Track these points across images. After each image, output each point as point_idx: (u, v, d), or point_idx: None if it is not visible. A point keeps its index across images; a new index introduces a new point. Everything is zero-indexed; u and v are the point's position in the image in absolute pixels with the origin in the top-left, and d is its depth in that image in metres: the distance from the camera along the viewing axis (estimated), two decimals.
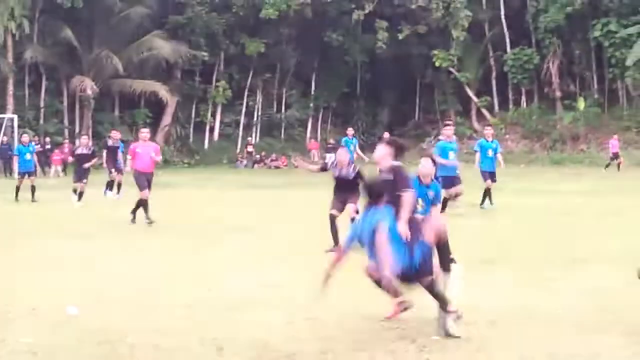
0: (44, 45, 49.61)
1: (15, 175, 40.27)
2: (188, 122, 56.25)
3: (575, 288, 10.80)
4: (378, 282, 8.18)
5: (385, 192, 8.62)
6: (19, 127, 43.96)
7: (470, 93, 56.56)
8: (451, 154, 19.67)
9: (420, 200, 12.47)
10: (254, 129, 57.83)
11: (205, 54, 52.98)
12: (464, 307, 9.27)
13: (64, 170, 41.78)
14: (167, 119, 54.33)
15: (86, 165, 25.18)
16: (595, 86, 53.73)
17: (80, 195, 24.69)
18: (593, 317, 9.02)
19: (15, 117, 44.52)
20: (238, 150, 55.80)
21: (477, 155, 22.42)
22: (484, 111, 56.00)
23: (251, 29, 54.72)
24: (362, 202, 9.56)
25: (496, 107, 56.24)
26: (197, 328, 8.61)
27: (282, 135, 58.34)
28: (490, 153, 22.11)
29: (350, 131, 32.68)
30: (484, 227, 18.37)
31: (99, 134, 49.84)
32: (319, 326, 8.53)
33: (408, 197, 9.07)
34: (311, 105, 59.46)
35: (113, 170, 27.24)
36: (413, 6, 53.06)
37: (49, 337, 8.34)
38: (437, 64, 55.10)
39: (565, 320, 8.89)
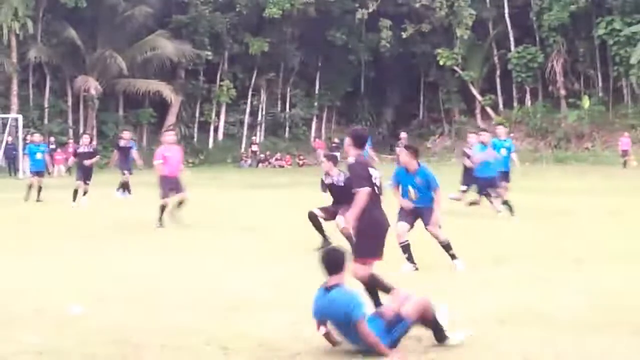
0: (48, 45, 49.60)
1: (20, 174, 40.61)
2: (192, 122, 56.20)
3: (581, 287, 10.77)
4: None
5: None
6: (23, 127, 44.08)
7: (475, 91, 56.49)
8: (502, 151, 20.28)
9: (411, 189, 12.51)
10: (258, 128, 57.81)
11: (209, 53, 52.92)
12: (471, 305, 9.27)
13: (67, 170, 41.78)
14: (171, 118, 54.26)
15: (87, 162, 25.01)
16: (600, 84, 53.63)
17: (84, 193, 24.56)
18: (601, 317, 9.00)
19: (20, 117, 44.59)
20: (242, 150, 55.79)
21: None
22: (489, 110, 55.92)
23: (255, 28, 54.69)
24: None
25: (500, 106, 56.13)
26: (201, 328, 8.60)
27: (287, 135, 58.29)
28: (503, 152, 21.86)
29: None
30: (490, 226, 18.34)
31: (104, 134, 49.95)
32: None
33: (358, 195, 8.94)
34: (315, 104, 59.44)
35: (126, 171, 27.16)
36: (417, 5, 53.05)
37: (54, 337, 8.34)
38: (441, 63, 55.04)
39: (572, 320, 8.88)
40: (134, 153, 27.63)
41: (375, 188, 9.06)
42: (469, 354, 7.66)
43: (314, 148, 55.84)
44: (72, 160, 26.16)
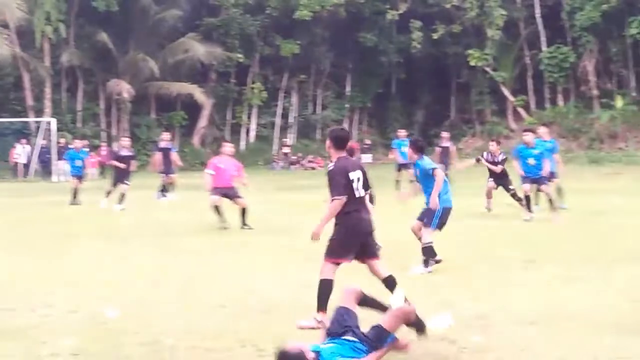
0: (80, 48, 50.00)
1: (54, 178, 40.96)
2: (224, 124, 56.40)
3: (613, 288, 10.70)
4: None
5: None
6: (57, 130, 44.42)
7: (506, 92, 56.17)
8: (530, 160, 19.50)
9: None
10: (289, 130, 57.88)
11: (240, 55, 53.09)
12: (505, 307, 9.21)
13: (101, 173, 42.03)
14: (203, 121, 54.54)
15: (131, 167, 25.46)
16: (633, 84, 53.14)
17: (122, 197, 24.61)
18: (632, 318, 8.93)
19: (54, 120, 44.95)
20: (274, 152, 55.88)
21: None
22: (520, 110, 55.61)
23: (285, 30, 54.73)
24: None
25: (532, 106, 55.80)
26: (236, 329, 8.62)
27: (318, 136, 58.31)
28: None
29: (402, 132, 30.97)
30: (523, 226, 18.25)
31: (136, 137, 50.10)
32: None
33: (332, 204, 9.00)
34: (346, 105, 59.43)
35: (165, 174, 27.26)
36: (447, 5, 52.86)
37: (89, 339, 8.39)
38: (472, 64, 54.76)
39: (604, 321, 8.81)
40: (174, 155, 27.75)
41: (356, 191, 9.07)
42: (505, 357, 7.62)
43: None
44: (112, 163, 26.18)
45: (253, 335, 8.33)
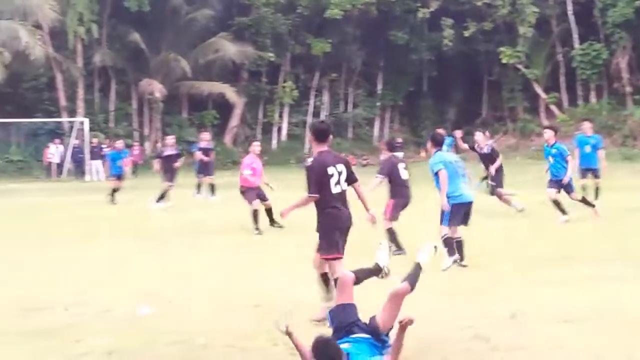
0: (113, 49, 50.26)
1: (86, 177, 41.28)
2: (255, 123, 56.47)
3: None
4: None
5: None
6: (90, 130, 44.73)
7: (539, 89, 55.78)
8: (587, 148, 20.76)
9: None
10: None
11: (271, 54, 53.09)
12: (539, 305, 9.16)
13: (134, 172, 42.24)
14: (234, 120, 54.63)
15: (176, 165, 25.65)
16: None
17: (163, 196, 24.75)
18: None
19: (86, 120, 45.27)
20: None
21: (576, 151, 21.42)
22: (553, 107, 55.24)
23: (316, 29, 54.73)
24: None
25: (565, 104, 55.41)
26: (268, 328, 8.61)
27: (350, 135, 58.27)
28: (587, 149, 21.42)
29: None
30: (558, 225, 18.11)
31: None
32: None
33: (304, 198, 9.45)
34: (378, 104, 59.26)
35: (202, 175, 27.51)
36: (479, 3, 52.55)
37: (122, 337, 8.44)
38: (504, 61, 54.38)
39: (638, 320, 8.74)
40: (212, 156, 27.96)
41: (335, 186, 9.19)
42: (539, 353, 7.58)
43: (380, 148, 55.68)
44: (157, 163, 26.35)
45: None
